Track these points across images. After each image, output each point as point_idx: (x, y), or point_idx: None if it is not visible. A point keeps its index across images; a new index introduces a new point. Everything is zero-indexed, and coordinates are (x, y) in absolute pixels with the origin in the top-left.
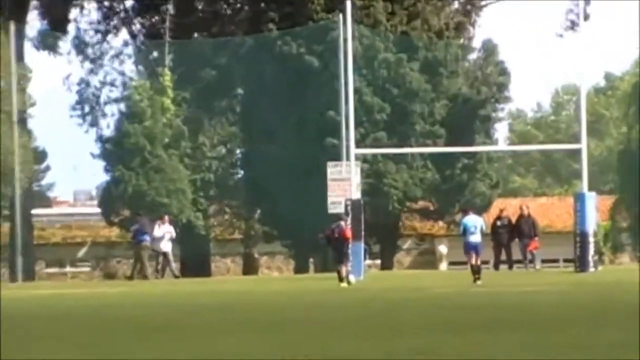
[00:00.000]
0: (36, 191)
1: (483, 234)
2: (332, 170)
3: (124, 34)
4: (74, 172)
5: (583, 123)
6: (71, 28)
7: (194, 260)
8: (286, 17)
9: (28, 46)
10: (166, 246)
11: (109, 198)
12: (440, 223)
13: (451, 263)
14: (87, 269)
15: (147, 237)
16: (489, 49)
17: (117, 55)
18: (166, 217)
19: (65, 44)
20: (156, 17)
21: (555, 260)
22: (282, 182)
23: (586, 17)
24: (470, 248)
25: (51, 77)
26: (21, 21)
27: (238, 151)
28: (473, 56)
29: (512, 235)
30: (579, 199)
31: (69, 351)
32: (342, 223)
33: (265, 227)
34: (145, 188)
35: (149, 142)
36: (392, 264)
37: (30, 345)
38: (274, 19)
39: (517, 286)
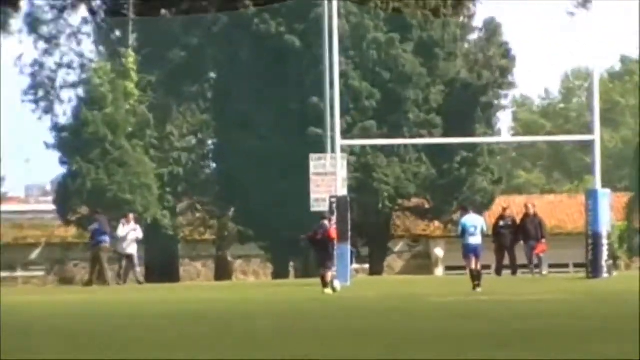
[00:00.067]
0: None
1: (484, 236)
2: (316, 163)
3: (82, 10)
4: (25, 165)
5: (596, 111)
6: (23, 4)
7: (160, 264)
8: None
9: None
10: (131, 248)
11: (65, 194)
12: (436, 223)
13: (448, 268)
14: (40, 273)
15: (107, 238)
16: (491, 28)
17: (74, 34)
18: (131, 216)
19: (16, 22)
20: None
21: (565, 265)
22: (259, 176)
23: None
24: (469, 251)
25: (0, 59)
26: None
27: (210, 142)
28: (473, 36)
29: (516, 237)
30: (591, 196)
31: None
32: (327, 222)
33: (240, 226)
34: (106, 183)
35: (110, 132)
36: (382, 268)
37: None
38: None
39: (521, 294)
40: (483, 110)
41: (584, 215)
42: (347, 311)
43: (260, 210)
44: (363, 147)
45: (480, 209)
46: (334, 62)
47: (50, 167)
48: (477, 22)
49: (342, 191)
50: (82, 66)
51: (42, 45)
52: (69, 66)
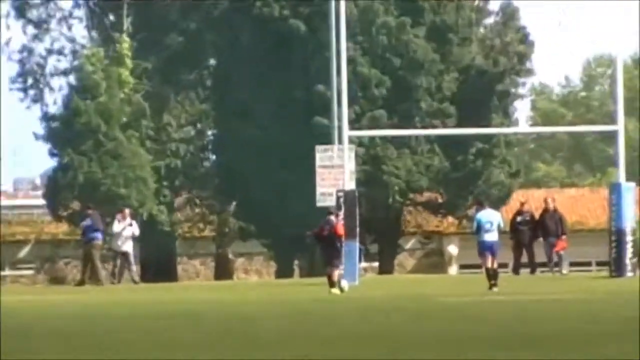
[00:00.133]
0: None
1: (500, 232)
2: (322, 155)
3: None
4: (13, 157)
5: (619, 100)
6: None
7: (157, 262)
8: None
9: None
10: (126, 245)
11: (55, 188)
12: (450, 219)
13: (462, 266)
14: (30, 272)
15: (99, 235)
16: (508, 12)
17: (65, 19)
18: (127, 211)
19: (4, 5)
20: None
21: (587, 264)
22: (261, 169)
23: None
24: (485, 248)
25: None
26: None
27: (209, 133)
28: (489, 20)
29: (535, 234)
30: (615, 190)
31: None
32: (333, 218)
33: (241, 222)
34: (99, 176)
35: (103, 122)
36: (393, 267)
37: None
38: None
39: (540, 294)
40: (499, 99)
41: (607, 210)
42: (353, 312)
43: (263, 205)
44: (372, 137)
45: (497, 204)
46: (341, 47)
47: (40, 160)
48: (493, 5)
49: (350, 185)
50: (74, 52)
51: (31, 30)
52: (60, 52)
